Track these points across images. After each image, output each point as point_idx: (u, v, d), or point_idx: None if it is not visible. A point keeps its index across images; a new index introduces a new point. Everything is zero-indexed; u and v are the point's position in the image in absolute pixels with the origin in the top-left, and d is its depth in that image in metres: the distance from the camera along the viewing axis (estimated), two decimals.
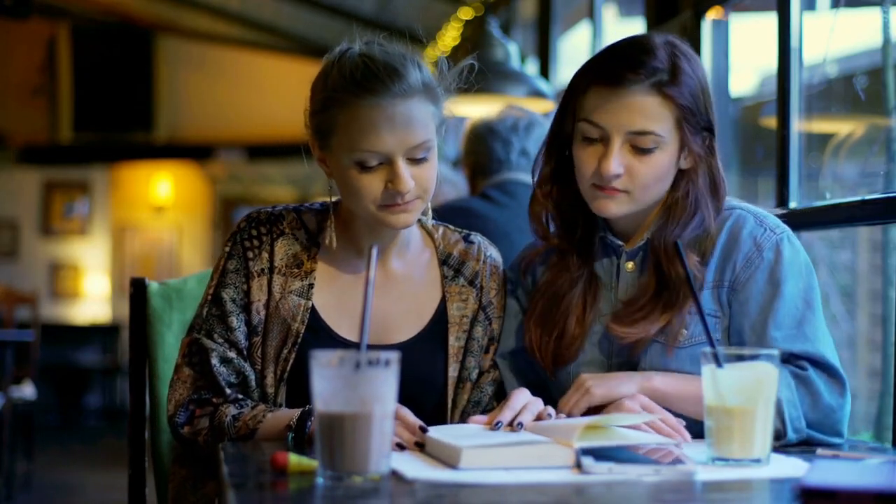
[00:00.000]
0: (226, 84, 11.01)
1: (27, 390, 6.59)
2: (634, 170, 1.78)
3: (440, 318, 1.93)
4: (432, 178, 1.81)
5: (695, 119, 1.79)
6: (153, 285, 2.20)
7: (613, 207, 1.80)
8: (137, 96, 10.97)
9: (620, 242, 1.88)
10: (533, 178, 1.95)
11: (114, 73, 10.96)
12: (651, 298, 1.80)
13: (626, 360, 1.83)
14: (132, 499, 2.17)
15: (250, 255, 1.88)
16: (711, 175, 1.83)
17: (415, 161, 1.78)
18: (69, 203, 11.06)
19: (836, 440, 1.73)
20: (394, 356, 1.37)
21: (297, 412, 1.73)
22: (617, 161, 1.76)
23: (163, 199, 11.19)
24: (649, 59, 1.77)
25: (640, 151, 1.77)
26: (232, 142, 10.94)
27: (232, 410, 1.79)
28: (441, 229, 2.01)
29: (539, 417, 1.67)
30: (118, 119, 10.97)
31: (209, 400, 1.83)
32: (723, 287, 1.80)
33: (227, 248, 1.90)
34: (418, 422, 1.62)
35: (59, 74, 10.87)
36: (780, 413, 1.67)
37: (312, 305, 1.87)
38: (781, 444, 1.68)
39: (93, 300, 11.04)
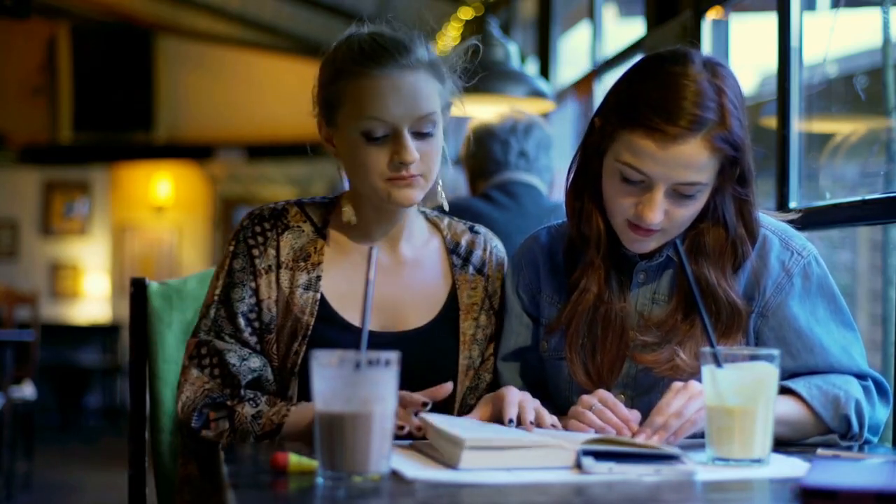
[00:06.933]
0: (226, 84, 11.00)
1: (27, 390, 6.59)
2: (673, 213, 1.72)
3: (451, 306, 1.94)
4: (436, 157, 1.83)
5: (732, 170, 1.73)
6: (153, 285, 2.20)
7: (650, 245, 1.77)
8: (137, 96, 10.96)
9: (633, 253, 1.82)
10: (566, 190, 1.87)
11: (114, 73, 10.96)
12: (680, 321, 1.78)
13: (652, 381, 1.79)
14: (132, 499, 2.17)
15: (255, 252, 1.88)
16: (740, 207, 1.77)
17: (420, 135, 1.80)
18: (69, 203, 11.06)
19: (874, 438, 1.79)
20: (394, 356, 1.37)
21: None
22: (661, 210, 1.71)
23: (163, 199, 11.18)
24: (700, 110, 1.66)
25: (682, 197, 1.71)
26: (232, 142, 10.94)
27: (249, 410, 1.78)
28: (446, 219, 2.03)
29: (539, 421, 1.68)
30: (118, 119, 10.97)
31: (223, 403, 1.80)
32: (752, 313, 1.78)
33: (232, 248, 1.89)
34: (421, 399, 1.65)
35: (59, 74, 10.87)
36: (859, 415, 1.72)
37: (321, 296, 1.87)
38: (849, 442, 1.73)
39: (93, 300, 11.04)
